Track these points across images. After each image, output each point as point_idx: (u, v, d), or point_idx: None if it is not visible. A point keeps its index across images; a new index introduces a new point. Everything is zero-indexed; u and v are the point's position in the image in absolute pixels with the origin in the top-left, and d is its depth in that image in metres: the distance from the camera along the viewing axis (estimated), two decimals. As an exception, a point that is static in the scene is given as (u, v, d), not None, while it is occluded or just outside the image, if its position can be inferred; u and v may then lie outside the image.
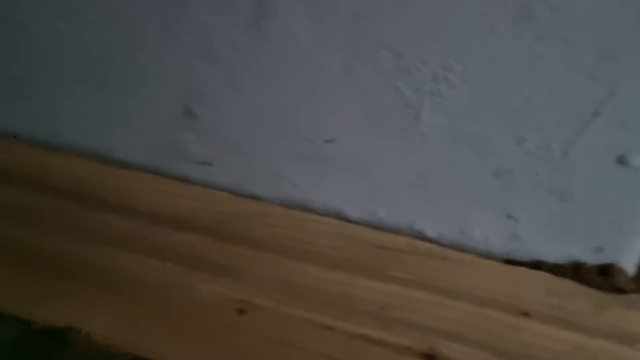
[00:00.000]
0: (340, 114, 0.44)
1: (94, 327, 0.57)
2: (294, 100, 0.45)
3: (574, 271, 0.48)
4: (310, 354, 0.53)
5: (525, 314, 0.47)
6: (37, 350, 0.60)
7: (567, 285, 0.48)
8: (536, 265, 0.47)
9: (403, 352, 0.52)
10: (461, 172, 0.44)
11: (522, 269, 0.46)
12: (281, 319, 0.54)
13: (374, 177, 0.47)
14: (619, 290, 0.47)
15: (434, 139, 0.43)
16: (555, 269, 0.47)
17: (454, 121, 0.42)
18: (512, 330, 0.48)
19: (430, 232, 0.48)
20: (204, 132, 0.49)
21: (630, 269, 0.46)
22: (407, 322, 0.51)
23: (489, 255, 0.46)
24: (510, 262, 0.46)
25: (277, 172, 0.49)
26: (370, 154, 0.46)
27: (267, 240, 0.53)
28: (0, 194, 0.58)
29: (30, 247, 0.59)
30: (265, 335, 0.55)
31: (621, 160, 0.40)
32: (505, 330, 0.48)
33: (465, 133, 0.42)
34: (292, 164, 0.48)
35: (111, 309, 0.57)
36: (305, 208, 0.50)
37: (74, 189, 0.55)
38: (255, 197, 0.51)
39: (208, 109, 0.48)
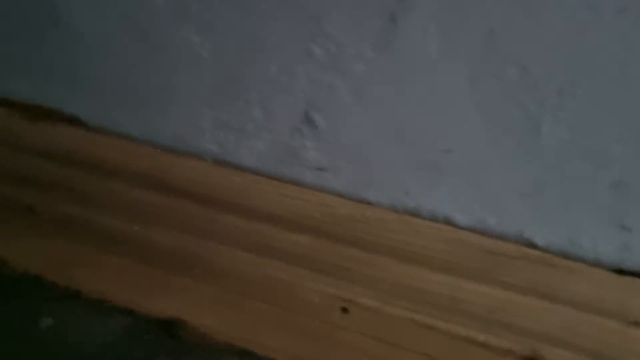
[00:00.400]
0: (460, 125, 0.47)
1: (204, 321, 0.61)
2: (416, 111, 0.48)
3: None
4: (412, 354, 0.56)
5: (636, 324, 0.48)
6: (148, 341, 0.65)
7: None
8: (648, 275, 0.49)
9: (505, 354, 0.54)
10: (577, 183, 0.46)
11: (633, 279, 0.47)
12: (385, 319, 0.57)
13: (487, 186, 0.49)
14: None
15: (552, 151, 0.45)
16: (668, 280, 0.48)
17: (575, 134, 0.44)
18: (621, 339, 0.49)
19: (539, 241, 0.49)
20: (323, 140, 0.52)
21: None
22: (512, 326, 0.53)
23: (597, 264, 0.48)
24: (620, 271, 0.47)
25: (391, 179, 0.52)
26: (485, 164, 0.48)
27: (377, 243, 0.55)
28: (124, 192, 0.63)
29: (147, 243, 0.63)
30: (367, 334, 0.58)
31: None
32: (613, 338, 0.50)
33: (585, 146, 0.44)
34: (407, 171, 0.51)
35: (221, 304, 0.61)
36: (415, 213, 0.52)
37: (195, 190, 0.59)
38: (367, 202, 0.54)
39: (329, 118, 0.51)
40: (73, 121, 0.62)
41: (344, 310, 0.59)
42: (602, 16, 0.38)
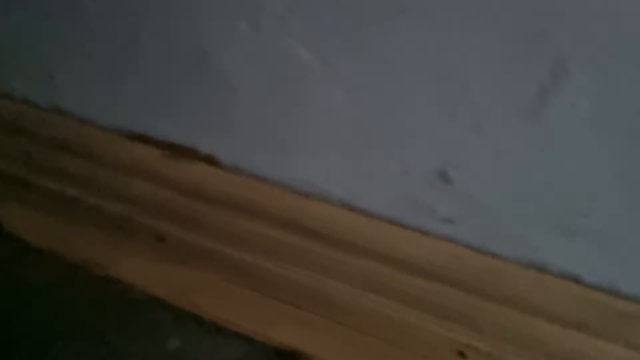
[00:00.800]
0: (600, 193, 0.49)
1: (323, 354, 0.64)
2: (557, 176, 0.50)
3: None
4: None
5: None
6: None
7: None
8: None
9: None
10: None
11: None
12: (502, 366, 0.59)
13: (619, 248, 0.51)
14: None
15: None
16: None
17: None
18: None
19: (668, 304, 0.51)
20: (455, 195, 0.55)
21: None
22: (635, 384, 0.54)
23: None
24: None
25: (520, 235, 0.55)
26: (620, 228, 0.50)
27: (501, 293, 0.58)
28: (254, 229, 0.67)
29: (273, 277, 0.67)
30: (483, 379, 0.60)
31: None
32: None
33: None
34: (539, 230, 0.53)
35: (341, 340, 0.65)
36: (543, 269, 0.55)
37: (324, 231, 0.63)
38: (493, 254, 0.56)
39: (465, 175, 0.54)
40: (208, 160, 0.67)
41: (461, 354, 0.62)
42: None
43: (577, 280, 0.54)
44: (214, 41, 0.59)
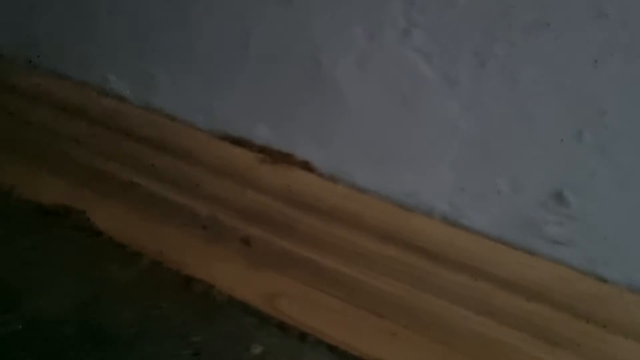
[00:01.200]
0: None
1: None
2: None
3: None
4: None
5: None
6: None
7: None
8: None
9: None
10: None
11: None
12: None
13: None
14: None
15: None
16: None
17: None
18: None
19: None
20: (569, 217, 0.55)
21: None
22: None
23: None
24: None
25: (634, 258, 0.54)
26: None
27: (610, 319, 0.57)
28: (347, 237, 0.67)
29: (362, 287, 0.67)
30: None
31: None
32: None
33: None
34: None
35: (430, 354, 0.64)
36: (655, 297, 0.54)
37: (423, 245, 0.63)
38: (603, 279, 0.55)
39: (583, 199, 0.54)
40: (304, 166, 0.67)
41: (559, 378, 0.61)
42: None
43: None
44: (327, 49, 0.59)
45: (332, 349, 0.70)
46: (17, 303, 0.71)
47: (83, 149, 0.80)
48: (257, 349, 0.70)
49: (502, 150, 0.56)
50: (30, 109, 0.80)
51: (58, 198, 0.82)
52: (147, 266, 0.78)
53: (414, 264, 0.63)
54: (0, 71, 0.80)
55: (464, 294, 0.62)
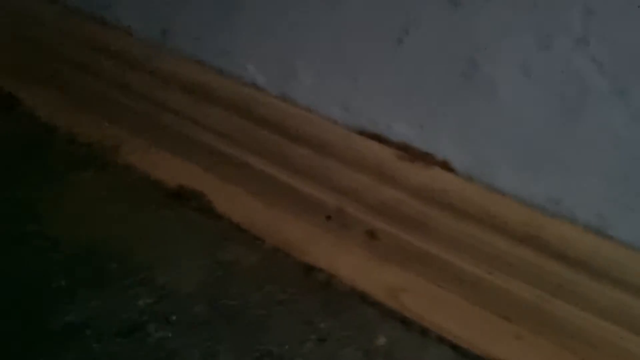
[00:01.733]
0: None
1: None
2: None
3: None
4: None
5: None
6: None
7: None
8: None
9: None
10: None
11: None
12: None
13: None
14: None
15: None
16: None
17: None
18: None
19: None
20: None
21: None
22: None
23: None
24: None
25: None
26: None
27: None
28: (482, 238, 0.68)
29: (489, 287, 0.68)
30: None
31: None
32: None
33: None
34: None
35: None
36: None
37: (565, 252, 0.63)
38: None
39: None
40: (443, 165, 0.68)
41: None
42: None
43: None
44: (489, 53, 0.60)
45: (454, 347, 0.71)
46: (150, 279, 0.74)
47: (211, 133, 0.83)
48: (381, 340, 0.72)
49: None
50: (165, 93, 0.83)
51: (182, 180, 0.84)
52: (269, 252, 0.80)
53: (550, 270, 0.64)
54: (138, 54, 0.83)
55: (602, 304, 0.62)
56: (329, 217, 0.77)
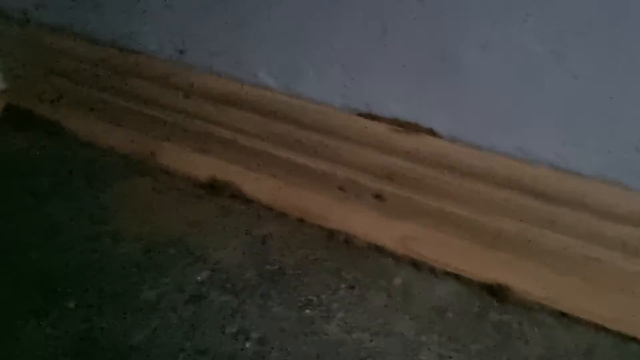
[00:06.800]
0: None
1: (525, 287, 0.81)
2: None
3: None
4: None
5: None
6: (479, 300, 0.85)
7: None
8: None
9: None
10: None
11: None
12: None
13: None
14: None
15: None
16: None
17: None
18: None
19: None
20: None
21: None
22: None
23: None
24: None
25: None
26: None
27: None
28: (469, 187, 0.84)
29: (483, 227, 0.84)
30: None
31: None
32: None
33: None
34: None
35: (541, 276, 0.81)
36: None
37: (535, 188, 0.79)
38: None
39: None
40: (430, 132, 0.84)
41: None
42: None
43: None
44: (453, 35, 0.75)
45: (458, 278, 0.88)
46: (204, 257, 0.90)
47: (231, 131, 0.98)
48: (397, 281, 0.88)
49: (601, 108, 0.72)
50: (186, 102, 0.98)
51: (213, 173, 1.00)
52: (295, 223, 0.96)
53: (530, 206, 0.80)
54: (160, 73, 0.98)
55: (573, 226, 0.78)
56: (341, 188, 0.93)
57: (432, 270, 0.88)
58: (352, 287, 0.86)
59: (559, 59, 0.71)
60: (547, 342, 0.78)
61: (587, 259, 0.79)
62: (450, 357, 0.77)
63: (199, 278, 0.86)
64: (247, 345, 0.77)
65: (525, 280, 0.83)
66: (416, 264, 0.89)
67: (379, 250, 0.91)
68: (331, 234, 0.93)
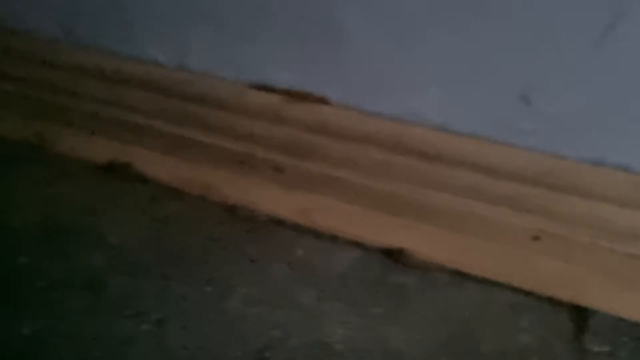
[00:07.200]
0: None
1: (422, 249, 0.83)
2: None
3: None
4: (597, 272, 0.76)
5: None
6: (378, 264, 0.86)
7: None
8: None
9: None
10: None
11: None
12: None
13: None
14: None
15: None
16: None
17: None
18: None
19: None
20: (533, 113, 0.73)
21: None
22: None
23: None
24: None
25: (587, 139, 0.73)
26: None
27: (568, 185, 0.76)
28: (360, 153, 0.84)
29: (379, 193, 0.85)
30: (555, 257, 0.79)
31: None
32: None
33: None
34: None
35: (437, 238, 0.83)
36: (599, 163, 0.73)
37: (422, 150, 0.81)
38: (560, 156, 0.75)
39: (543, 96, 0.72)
40: (322, 101, 0.84)
41: (536, 238, 0.81)
42: None
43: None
44: (338, 5, 0.75)
45: (359, 245, 0.89)
46: (103, 238, 0.88)
47: (127, 111, 0.95)
48: (299, 252, 0.88)
49: (480, 67, 0.73)
50: (73, 81, 0.95)
51: (109, 155, 0.97)
52: (196, 201, 0.95)
53: (417, 168, 0.81)
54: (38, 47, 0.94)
55: (460, 185, 0.80)
56: (242, 162, 0.92)
57: (333, 239, 0.88)
58: (253, 261, 0.86)
59: (438, 18, 0.72)
60: (444, 301, 0.80)
61: (478, 217, 0.80)
62: (352, 323, 0.77)
63: (97, 263, 0.83)
64: (146, 326, 0.75)
65: (421, 242, 0.84)
66: (317, 234, 0.89)
67: (280, 223, 0.91)
68: (232, 209, 0.92)
